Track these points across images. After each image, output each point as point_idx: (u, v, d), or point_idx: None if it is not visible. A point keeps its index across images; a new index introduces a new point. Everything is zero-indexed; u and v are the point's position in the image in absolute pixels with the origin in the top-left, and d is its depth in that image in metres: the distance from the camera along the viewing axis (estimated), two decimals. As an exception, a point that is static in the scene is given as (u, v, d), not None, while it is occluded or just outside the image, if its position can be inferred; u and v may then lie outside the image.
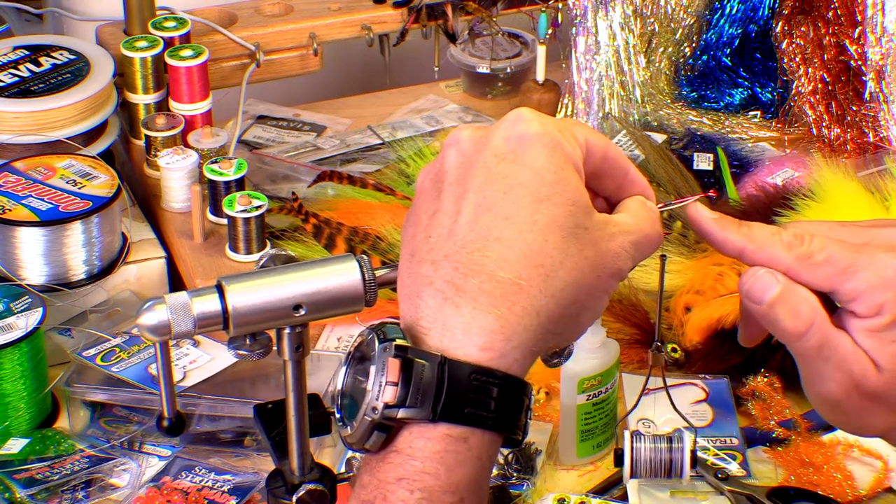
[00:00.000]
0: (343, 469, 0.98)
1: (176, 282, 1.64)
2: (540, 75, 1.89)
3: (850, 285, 0.90)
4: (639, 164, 1.74)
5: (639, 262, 0.90)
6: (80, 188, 1.56)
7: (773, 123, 1.87)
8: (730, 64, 1.92)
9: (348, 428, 0.86)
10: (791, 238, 0.92)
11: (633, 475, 1.27)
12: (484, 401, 0.84)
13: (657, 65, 1.87)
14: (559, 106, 1.85)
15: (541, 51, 1.88)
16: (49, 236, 1.52)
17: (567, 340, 0.90)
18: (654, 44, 1.87)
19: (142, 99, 1.75)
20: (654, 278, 1.53)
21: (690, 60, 1.90)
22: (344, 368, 0.89)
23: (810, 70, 1.82)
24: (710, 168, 1.77)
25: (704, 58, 1.91)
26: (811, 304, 0.91)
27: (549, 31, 1.88)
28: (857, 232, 0.93)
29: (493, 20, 1.93)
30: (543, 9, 1.87)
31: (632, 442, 1.26)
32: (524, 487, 1.38)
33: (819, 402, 0.93)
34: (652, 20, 1.85)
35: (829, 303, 0.92)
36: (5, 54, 1.73)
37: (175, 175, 1.66)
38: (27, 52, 1.74)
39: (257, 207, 1.58)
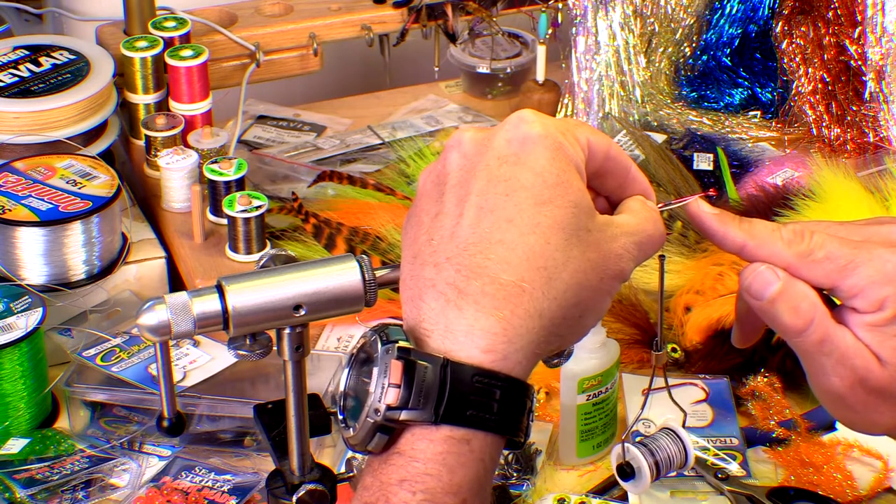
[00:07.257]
0: (343, 469, 0.98)
1: (176, 282, 1.64)
2: (540, 75, 1.89)
3: (851, 281, 0.90)
4: (639, 164, 1.74)
5: (641, 263, 0.90)
6: (80, 188, 1.56)
7: (773, 123, 1.86)
8: (730, 64, 1.92)
9: (351, 429, 0.86)
10: (791, 235, 0.92)
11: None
12: (486, 403, 0.84)
13: (657, 65, 1.87)
14: (559, 106, 1.85)
15: (541, 51, 1.88)
16: (49, 236, 1.52)
17: (569, 342, 0.90)
18: (654, 44, 1.87)
19: (142, 99, 1.75)
20: (655, 278, 1.53)
21: (690, 60, 1.90)
22: (346, 370, 0.89)
23: (810, 70, 1.82)
24: (710, 168, 1.77)
25: (704, 58, 1.91)
26: (811, 300, 0.91)
27: (549, 31, 1.88)
28: (855, 229, 0.94)
29: (493, 20, 1.93)
30: (543, 9, 1.87)
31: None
32: (524, 487, 1.38)
33: (825, 398, 0.93)
34: (652, 20, 1.85)
35: (829, 301, 0.92)
36: (5, 54, 1.73)
37: (175, 175, 1.66)
38: (27, 52, 1.74)
39: (257, 207, 1.58)
